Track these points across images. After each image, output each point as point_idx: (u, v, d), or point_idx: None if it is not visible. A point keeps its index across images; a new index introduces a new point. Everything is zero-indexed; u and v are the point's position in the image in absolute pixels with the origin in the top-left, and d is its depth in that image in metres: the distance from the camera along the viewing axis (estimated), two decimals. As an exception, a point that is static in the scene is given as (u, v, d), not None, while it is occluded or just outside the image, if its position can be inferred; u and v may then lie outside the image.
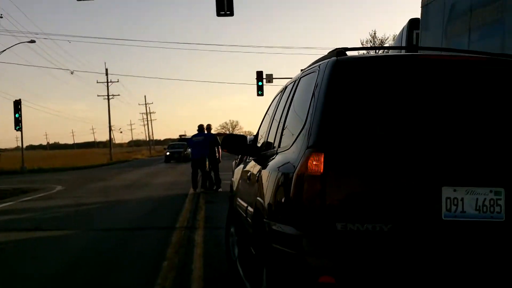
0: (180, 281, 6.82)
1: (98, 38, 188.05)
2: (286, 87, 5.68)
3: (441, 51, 4.73)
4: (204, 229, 10.72)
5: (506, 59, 4.26)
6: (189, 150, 20.90)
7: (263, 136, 6.09)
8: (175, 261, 7.96)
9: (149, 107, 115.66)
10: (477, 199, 3.66)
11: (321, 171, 3.62)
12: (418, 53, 4.50)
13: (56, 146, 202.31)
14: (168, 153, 55.25)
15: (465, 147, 3.76)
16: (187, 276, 7.03)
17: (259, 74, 44.97)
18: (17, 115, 39.23)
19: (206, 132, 19.47)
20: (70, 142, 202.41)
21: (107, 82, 71.91)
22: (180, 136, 68.81)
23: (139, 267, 7.67)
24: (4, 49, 42.92)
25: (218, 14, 19.83)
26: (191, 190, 18.88)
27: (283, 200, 3.97)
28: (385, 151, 3.70)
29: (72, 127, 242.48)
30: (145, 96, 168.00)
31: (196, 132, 19.51)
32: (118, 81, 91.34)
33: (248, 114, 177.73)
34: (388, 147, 3.71)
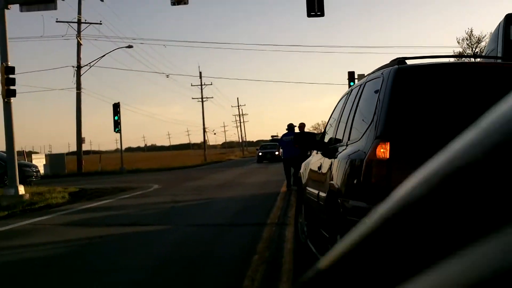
0: (270, 273, 6.95)
1: (192, 42, 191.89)
2: (351, 90, 6.62)
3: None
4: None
5: None
6: (281, 150, 21.05)
7: (330, 133, 6.98)
8: (266, 255, 8.08)
9: (241, 109, 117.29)
10: None
11: (387, 157, 4.46)
12: (467, 61, 5.05)
13: (153, 148, 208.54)
14: (260, 154, 55.84)
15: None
16: (277, 269, 7.15)
17: (351, 75, 44.59)
18: (116, 118, 40.76)
19: (299, 131, 19.56)
20: (166, 144, 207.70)
21: (201, 85, 73.59)
22: (272, 136, 69.31)
23: (231, 260, 7.86)
24: (103, 54, 44.60)
25: (309, 15, 19.82)
26: (283, 188, 19.04)
27: (355, 182, 4.82)
28: (436, 141, 3.93)
29: (168, 129, 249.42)
30: (237, 98, 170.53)
31: (286, 131, 19.65)
32: (211, 84, 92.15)
33: None
34: (439, 137, 4.09)
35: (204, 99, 74.08)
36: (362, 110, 5.56)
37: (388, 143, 4.50)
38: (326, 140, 7.22)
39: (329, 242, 5.83)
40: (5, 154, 28.27)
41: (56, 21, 41.89)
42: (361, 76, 46.87)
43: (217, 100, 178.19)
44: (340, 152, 5.78)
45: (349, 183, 5.09)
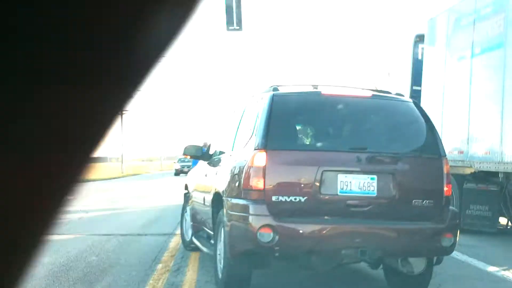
0: (172, 282, 6.89)
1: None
2: (235, 110, 7.82)
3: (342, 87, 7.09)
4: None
5: (386, 95, 6.76)
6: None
7: (216, 146, 8.14)
8: (170, 264, 8.05)
9: None
10: (359, 180, 5.82)
11: (264, 163, 5.70)
12: (321, 91, 6.44)
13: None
14: (177, 168, 55.84)
15: (351, 157, 5.96)
16: (180, 278, 7.10)
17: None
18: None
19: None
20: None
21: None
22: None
23: (134, 268, 7.80)
24: None
25: (228, 29, 19.71)
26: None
27: (237, 184, 5.97)
28: (299, 152, 6.16)
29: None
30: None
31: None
32: None
33: None
34: (302, 149, 6.32)
35: None
36: (245, 126, 6.65)
37: (265, 152, 5.75)
38: (211, 152, 8.16)
39: (212, 237, 7.00)
40: None
41: None
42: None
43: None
44: (224, 161, 6.93)
45: (233, 184, 6.14)
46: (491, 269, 8.06)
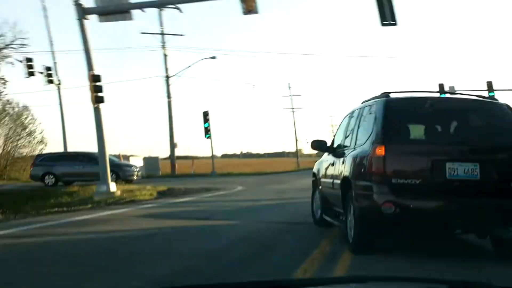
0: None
1: (280, 53, 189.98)
2: (353, 111, 9.33)
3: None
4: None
5: (482, 99, 8.44)
6: None
7: (338, 141, 9.76)
8: (326, 248, 8.20)
9: (331, 120, 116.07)
10: (464, 167, 7.15)
11: (383, 154, 7.25)
12: (431, 96, 8.27)
13: (248, 155, 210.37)
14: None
15: (458, 144, 7.39)
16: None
17: (441, 87, 43.87)
18: (206, 125, 41.84)
19: None
20: (262, 152, 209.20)
21: (291, 96, 74.83)
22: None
23: (291, 252, 8.07)
24: (189, 65, 46.10)
25: (382, 24, 19.52)
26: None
27: (362, 170, 7.63)
28: (414, 146, 7.60)
29: (262, 137, 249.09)
30: (329, 111, 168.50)
31: None
32: (300, 95, 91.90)
33: None
34: (413, 143, 7.74)
35: (294, 110, 74.84)
36: (364, 126, 8.28)
37: (384, 146, 7.30)
38: (335, 146, 9.87)
39: (341, 214, 8.62)
40: (114, 158, 31.20)
41: (141, 33, 43.76)
42: (451, 88, 46.09)
43: (309, 111, 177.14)
44: (349, 153, 8.46)
45: (359, 170, 7.77)
46: None
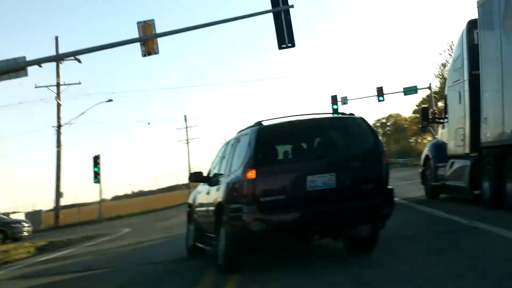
0: None
1: (175, 88, 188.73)
2: (229, 141, 10.14)
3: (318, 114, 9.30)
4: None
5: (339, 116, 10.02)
6: None
7: (215, 170, 10.26)
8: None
9: None
10: (322, 178, 7.99)
11: (254, 177, 7.89)
12: (298, 119, 8.89)
13: (140, 194, 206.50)
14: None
15: (318, 158, 8.30)
16: None
17: (334, 98, 45.04)
18: (95, 169, 40.49)
19: None
20: (154, 188, 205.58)
21: (186, 127, 73.39)
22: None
23: None
24: (83, 111, 44.39)
25: (280, 47, 19.54)
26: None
27: (235, 194, 8.33)
28: (281, 166, 8.38)
29: (156, 173, 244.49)
30: (224, 136, 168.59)
31: None
32: (196, 126, 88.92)
33: None
34: (280, 164, 8.48)
35: (189, 140, 73.82)
36: (239, 153, 8.84)
37: (255, 169, 7.92)
38: (210, 175, 10.39)
39: (213, 239, 9.12)
40: (2, 215, 29.04)
41: (35, 87, 41.83)
42: (343, 98, 47.45)
43: (203, 140, 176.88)
44: (224, 180, 9.03)
45: (232, 194, 8.44)
46: None
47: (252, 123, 8.91)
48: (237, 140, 9.31)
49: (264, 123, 8.77)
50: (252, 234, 7.85)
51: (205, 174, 10.65)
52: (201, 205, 10.48)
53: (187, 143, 73.80)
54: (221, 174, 9.44)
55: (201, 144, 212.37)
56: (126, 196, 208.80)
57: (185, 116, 76.09)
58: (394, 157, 66.10)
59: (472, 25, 13.90)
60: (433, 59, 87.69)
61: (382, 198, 8.16)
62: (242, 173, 8.13)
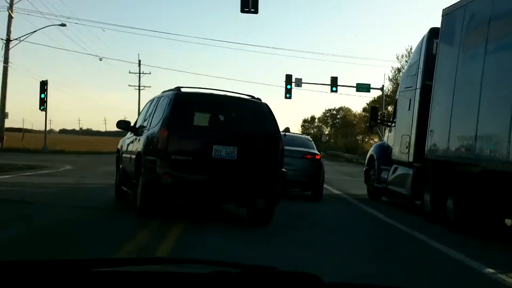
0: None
1: (131, 28, 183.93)
2: (153, 99, 11.18)
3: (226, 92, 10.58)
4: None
5: (248, 98, 10.36)
6: None
7: (139, 122, 11.37)
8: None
9: None
10: (226, 150, 9.22)
11: (167, 136, 9.11)
12: (214, 93, 10.28)
13: (88, 132, 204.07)
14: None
15: (224, 131, 9.71)
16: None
17: (288, 78, 44.74)
18: (42, 96, 39.33)
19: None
20: (103, 129, 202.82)
21: (139, 73, 71.57)
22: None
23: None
24: (35, 30, 42.98)
25: (242, 11, 19.38)
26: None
27: (151, 147, 9.48)
28: (192, 131, 9.59)
29: (105, 115, 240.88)
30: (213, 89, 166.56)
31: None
32: (150, 73, 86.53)
33: (277, 114, 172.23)
34: (192, 132, 9.59)
35: (141, 88, 71.96)
36: (158, 112, 10.03)
37: (167, 129, 9.20)
38: (137, 126, 11.38)
39: (134, 184, 10.17)
40: None
41: None
42: (298, 80, 47.11)
43: (156, 90, 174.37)
44: (144, 133, 10.20)
45: (148, 147, 9.62)
46: (486, 270, 7.43)
47: (173, 88, 10.17)
48: (159, 99, 10.44)
49: (183, 90, 9.99)
50: (162, 186, 9.05)
51: (132, 124, 11.66)
52: (127, 152, 11.61)
53: (139, 89, 71.75)
54: (144, 127, 10.49)
55: (152, 94, 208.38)
56: (74, 132, 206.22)
57: (139, 60, 73.59)
58: (341, 150, 66.65)
59: (433, 34, 13.96)
60: (391, 63, 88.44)
61: (275, 177, 9.56)
62: (158, 130, 9.34)
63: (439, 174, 12.38)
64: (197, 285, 1.87)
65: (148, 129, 10.06)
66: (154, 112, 10.27)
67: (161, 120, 9.44)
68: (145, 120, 10.86)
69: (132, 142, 11.17)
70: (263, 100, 10.27)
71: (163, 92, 10.69)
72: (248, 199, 9.70)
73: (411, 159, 14.14)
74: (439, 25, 13.38)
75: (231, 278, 1.88)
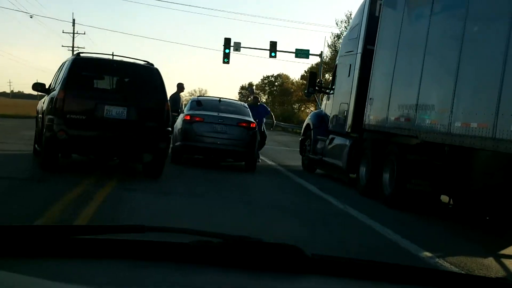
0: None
1: None
2: (63, 63, 11.75)
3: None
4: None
5: (138, 62, 11.72)
6: None
7: (52, 85, 11.88)
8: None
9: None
10: (116, 110, 10.46)
11: (63, 96, 10.22)
12: (110, 59, 11.63)
13: (20, 95, 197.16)
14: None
15: (116, 93, 11.40)
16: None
17: (227, 41, 43.40)
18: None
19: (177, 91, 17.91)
20: (35, 92, 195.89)
21: (73, 33, 68.76)
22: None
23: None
24: None
25: None
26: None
27: (50, 107, 10.34)
28: (87, 93, 10.77)
29: (38, 77, 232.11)
30: (112, 52, 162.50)
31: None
32: (84, 33, 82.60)
33: (214, 80, 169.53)
34: (86, 94, 10.73)
35: (75, 49, 68.96)
36: (59, 75, 11.20)
37: (64, 90, 10.27)
38: (50, 88, 11.82)
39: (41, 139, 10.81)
40: None
41: None
42: (237, 44, 46.00)
43: (90, 51, 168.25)
44: (50, 94, 11.08)
45: (48, 107, 10.47)
46: (422, 254, 6.95)
47: (76, 53, 12.00)
48: (65, 63, 11.50)
49: (82, 55, 11.58)
50: (58, 141, 10.16)
51: (48, 86, 12.25)
52: (40, 112, 12.44)
53: (72, 50, 67.50)
54: (54, 89, 11.23)
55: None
56: (4, 95, 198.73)
57: (73, 20, 70.37)
58: (278, 120, 66.20)
59: None
60: (331, 28, 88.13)
61: (160, 135, 10.77)
62: (57, 91, 10.36)
63: (376, 146, 11.90)
64: (179, 254, 1.89)
65: (53, 90, 11.04)
66: (59, 76, 11.36)
67: (60, 83, 10.59)
68: (55, 83, 11.67)
69: (44, 102, 11.88)
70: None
71: (70, 57, 11.91)
72: (136, 154, 10.87)
73: (348, 129, 13.55)
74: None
75: (213, 248, 1.89)
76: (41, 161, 10.77)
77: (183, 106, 17.05)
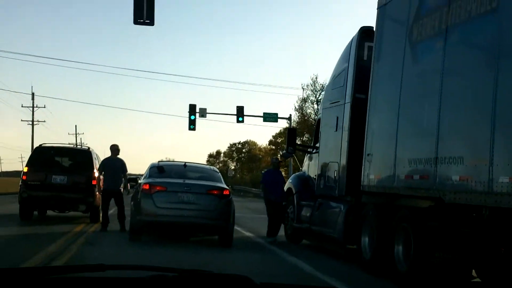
0: None
1: (24, 54, 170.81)
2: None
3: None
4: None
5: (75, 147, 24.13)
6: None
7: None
8: None
9: (80, 138, 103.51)
10: (60, 178, 16.86)
11: (27, 171, 16.81)
12: (53, 146, 18.70)
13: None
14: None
15: (60, 168, 17.86)
16: None
17: (192, 108, 41.64)
18: None
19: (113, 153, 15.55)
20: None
21: (33, 107, 65.70)
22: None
23: None
24: None
25: (136, 22, 16.34)
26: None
27: (21, 177, 17.29)
28: (40, 169, 17.01)
29: (0, 154, 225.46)
30: (75, 126, 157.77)
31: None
32: (44, 107, 77.24)
33: (181, 148, 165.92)
34: (40, 170, 16.99)
35: (35, 123, 65.85)
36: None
37: (27, 167, 17.11)
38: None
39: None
40: None
41: None
42: (202, 110, 44.22)
43: (52, 125, 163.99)
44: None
45: (21, 177, 17.02)
46: None
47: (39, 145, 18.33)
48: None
49: (44, 145, 17.86)
50: (23, 199, 16.19)
51: None
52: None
53: (32, 125, 64.58)
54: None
55: (47, 130, 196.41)
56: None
57: (32, 93, 67.13)
58: (248, 186, 64.26)
59: (364, 35, 11.45)
60: (297, 92, 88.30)
61: (88, 193, 16.12)
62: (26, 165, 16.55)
63: (382, 211, 9.65)
64: None
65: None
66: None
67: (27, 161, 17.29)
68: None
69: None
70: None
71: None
72: (75, 205, 16.63)
73: (341, 192, 11.36)
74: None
75: (168, 281, 2.13)
76: (19, 214, 16.67)
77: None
